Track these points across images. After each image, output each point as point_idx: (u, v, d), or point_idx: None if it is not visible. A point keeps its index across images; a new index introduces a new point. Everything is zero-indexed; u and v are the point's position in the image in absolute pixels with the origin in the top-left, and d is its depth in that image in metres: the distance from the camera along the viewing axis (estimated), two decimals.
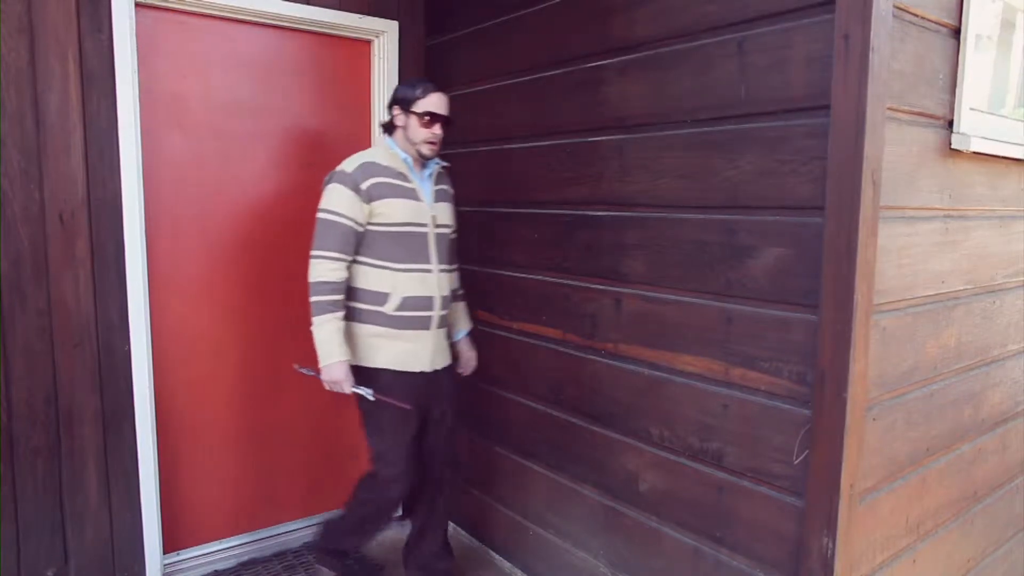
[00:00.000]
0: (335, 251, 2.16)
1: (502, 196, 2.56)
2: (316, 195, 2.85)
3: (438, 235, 2.30)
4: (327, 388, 2.21)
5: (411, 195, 2.23)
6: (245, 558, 2.79)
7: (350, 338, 2.23)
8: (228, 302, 2.73)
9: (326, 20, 2.74)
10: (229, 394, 2.77)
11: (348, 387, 2.18)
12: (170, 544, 2.67)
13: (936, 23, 1.69)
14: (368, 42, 2.93)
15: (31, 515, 2.30)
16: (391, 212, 2.19)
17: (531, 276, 2.50)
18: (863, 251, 1.55)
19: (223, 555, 2.78)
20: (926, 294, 1.80)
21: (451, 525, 3.08)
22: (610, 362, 2.22)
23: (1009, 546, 2.38)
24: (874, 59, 1.50)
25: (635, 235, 2.11)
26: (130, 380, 2.44)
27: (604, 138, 2.18)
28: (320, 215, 2.19)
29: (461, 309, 2.56)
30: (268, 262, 2.80)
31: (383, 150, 2.27)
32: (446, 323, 2.39)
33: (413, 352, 2.27)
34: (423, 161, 2.31)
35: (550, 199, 2.40)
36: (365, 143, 2.96)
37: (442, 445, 2.45)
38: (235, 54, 2.65)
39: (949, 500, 2.03)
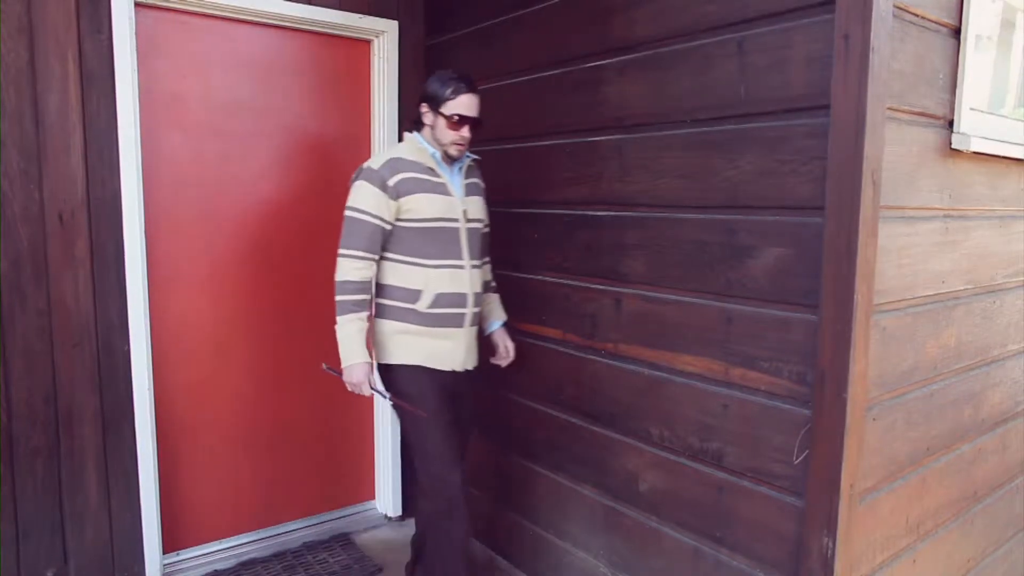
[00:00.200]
0: (361, 250, 2.13)
1: (502, 196, 2.56)
2: (316, 194, 2.88)
3: (470, 230, 2.24)
4: (348, 388, 2.19)
5: (441, 190, 2.18)
6: (245, 558, 2.79)
7: (381, 335, 2.21)
8: (228, 302, 2.73)
9: (326, 20, 2.74)
10: (229, 394, 2.77)
11: (367, 388, 2.16)
12: (170, 544, 2.67)
13: (936, 23, 1.69)
14: (368, 42, 2.93)
15: (31, 515, 2.30)
16: (421, 208, 2.14)
17: (531, 276, 2.50)
18: (863, 251, 1.55)
19: (223, 555, 2.78)
20: (926, 294, 1.80)
21: None
22: (610, 362, 2.22)
23: (1009, 546, 2.38)
24: (874, 59, 1.50)
25: (635, 235, 2.11)
26: (130, 380, 2.44)
27: (604, 138, 2.18)
28: (347, 213, 2.15)
29: (495, 301, 2.49)
30: (268, 262, 2.80)
31: (411, 145, 2.21)
32: (478, 321, 2.34)
33: (447, 350, 2.22)
34: (452, 158, 2.24)
35: (550, 199, 2.40)
36: (365, 143, 2.97)
37: (461, 438, 2.37)
38: (235, 54, 2.65)
39: (949, 500, 2.03)
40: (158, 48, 2.49)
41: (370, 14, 2.84)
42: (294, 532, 2.96)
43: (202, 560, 2.74)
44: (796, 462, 1.73)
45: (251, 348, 2.79)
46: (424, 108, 2.20)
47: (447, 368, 2.23)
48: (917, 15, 1.63)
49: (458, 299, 2.19)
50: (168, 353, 2.60)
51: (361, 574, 2.71)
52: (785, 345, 1.73)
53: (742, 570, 1.87)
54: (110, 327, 2.39)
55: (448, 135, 2.16)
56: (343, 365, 2.15)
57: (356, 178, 2.16)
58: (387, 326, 2.21)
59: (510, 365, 2.49)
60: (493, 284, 2.50)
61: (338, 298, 2.14)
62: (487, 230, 2.39)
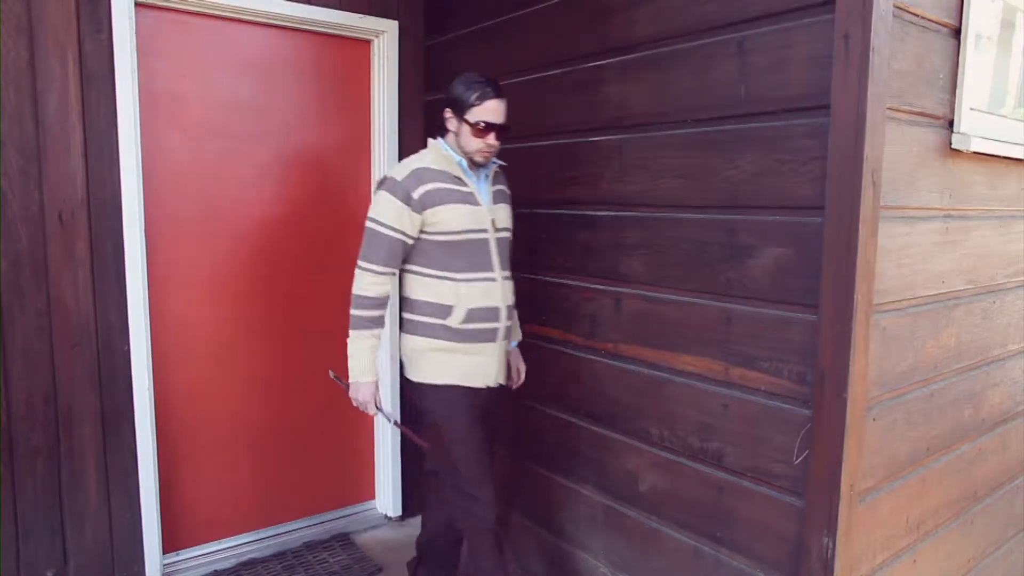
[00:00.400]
0: (379, 264, 2.04)
1: None
2: (316, 194, 2.88)
3: (499, 240, 2.13)
4: (354, 404, 2.14)
5: (469, 199, 2.07)
6: (245, 558, 2.79)
7: (412, 352, 2.12)
8: (228, 301, 2.73)
9: (326, 20, 2.74)
10: (229, 394, 2.77)
11: (372, 408, 2.11)
12: (170, 544, 2.67)
13: (936, 23, 1.69)
14: (368, 42, 2.93)
15: (31, 515, 2.30)
16: (449, 220, 2.04)
17: (532, 276, 2.50)
18: (863, 251, 1.55)
19: (223, 555, 2.78)
20: (926, 294, 1.80)
21: None
22: (610, 362, 2.22)
23: (1009, 546, 2.38)
24: (874, 59, 1.50)
25: (635, 235, 2.11)
26: (130, 380, 2.44)
27: (604, 138, 2.18)
28: (367, 223, 2.06)
29: (514, 318, 2.33)
30: (268, 261, 2.80)
31: (435, 152, 2.11)
32: (510, 334, 2.24)
33: (480, 366, 2.12)
34: (478, 165, 2.14)
35: (550, 199, 2.40)
36: (365, 143, 2.97)
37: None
38: (235, 54, 2.65)
39: (949, 500, 2.03)
40: (158, 48, 2.48)
41: (370, 14, 2.84)
42: (294, 532, 2.96)
43: (202, 560, 2.74)
44: (796, 462, 1.73)
45: (251, 348, 2.79)
46: (448, 114, 2.10)
47: (481, 385, 2.14)
48: (917, 15, 1.63)
49: (491, 313, 2.10)
50: (168, 353, 2.60)
51: (361, 574, 2.70)
52: (785, 345, 1.73)
53: (742, 570, 1.87)
54: (110, 327, 2.39)
55: (473, 143, 2.06)
56: (350, 380, 2.10)
57: (379, 188, 2.08)
58: (418, 342, 2.11)
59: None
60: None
61: (353, 312, 2.07)
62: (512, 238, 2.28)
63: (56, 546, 2.36)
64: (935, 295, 1.83)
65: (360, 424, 3.10)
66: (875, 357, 1.65)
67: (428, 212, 2.03)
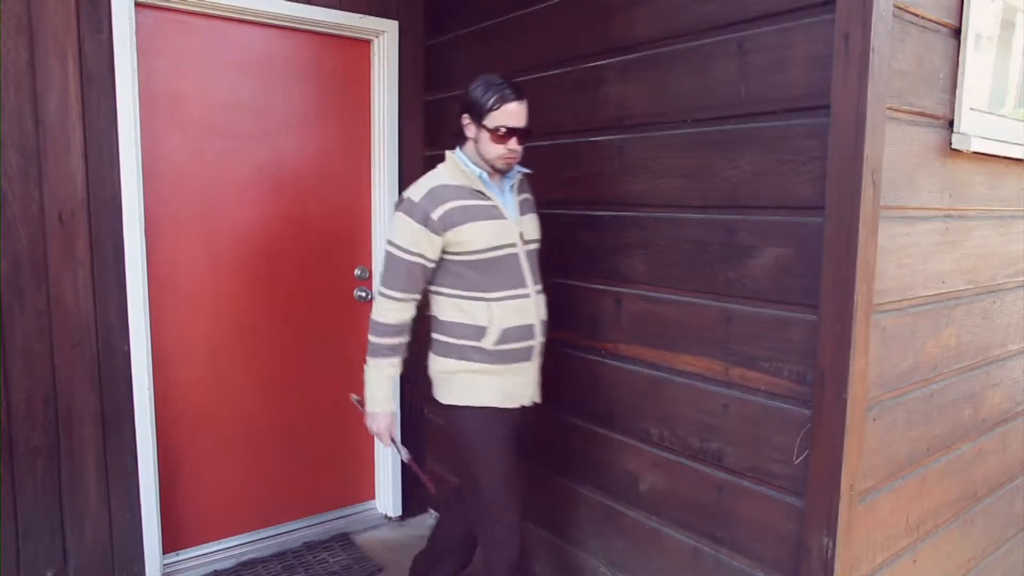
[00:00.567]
0: (400, 290, 1.95)
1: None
2: (316, 194, 2.88)
3: (529, 252, 2.02)
4: (370, 432, 2.07)
5: (494, 214, 1.96)
6: (245, 558, 2.79)
7: (443, 373, 2.02)
8: (228, 301, 2.73)
9: (326, 20, 2.74)
10: (229, 394, 2.77)
11: (387, 440, 2.02)
12: (170, 544, 2.67)
13: (936, 23, 1.69)
14: (368, 42, 2.93)
15: (31, 515, 2.30)
16: (474, 238, 1.92)
17: None
18: (863, 251, 1.55)
19: (223, 555, 2.78)
20: (926, 294, 1.80)
21: None
22: (610, 362, 2.22)
23: (1009, 546, 2.38)
24: (874, 59, 1.50)
25: (635, 235, 2.11)
26: (130, 380, 2.44)
27: (604, 138, 2.18)
28: (387, 247, 1.98)
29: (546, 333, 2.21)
30: (269, 261, 2.80)
31: (452, 167, 1.98)
32: (544, 350, 2.12)
33: (515, 386, 2.03)
34: (501, 172, 2.03)
35: (550, 199, 2.40)
36: (365, 143, 2.97)
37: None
38: (235, 54, 2.65)
39: (949, 500, 2.03)
40: (158, 48, 2.48)
41: (370, 14, 2.84)
42: (294, 532, 2.96)
43: (202, 560, 2.74)
44: (796, 462, 1.73)
45: (251, 348, 2.79)
46: (466, 120, 1.98)
47: (516, 405, 2.04)
48: (917, 15, 1.63)
49: (525, 331, 1.99)
50: (168, 353, 2.60)
51: (361, 574, 2.70)
52: (785, 345, 1.73)
53: (742, 570, 1.87)
54: (110, 327, 2.39)
55: (494, 149, 1.94)
56: (367, 408, 2.03)
57: (397, 208, 1.99)
58: (449, 364, 2.00)
59: None
60: None
61: (372, 339, 1.99)
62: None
63: (56, 546, 2.36)
64: (935, 295, 1.83)
65: (360, 424, 3.09)
66: (875, 357, 1.65)
67: (451, 233, 1.91)
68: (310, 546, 2.90)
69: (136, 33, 2.36)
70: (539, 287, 2.06)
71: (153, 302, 2.51)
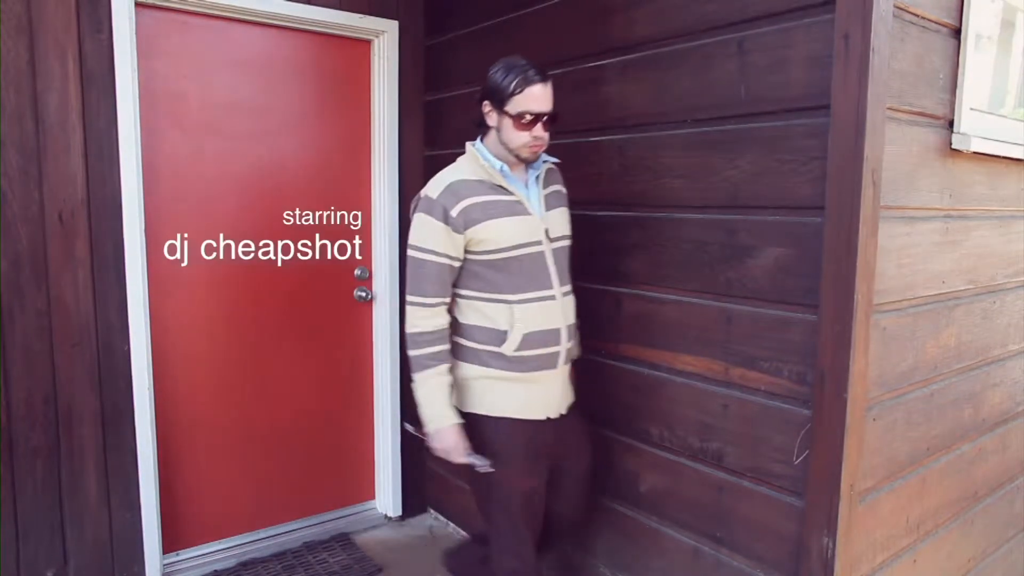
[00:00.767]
0: (430, 295, 1.82)
1: None
2: (316, 195, 2.88)
3: (556, 251, 1.89)
4: (437, 455, 1.87)
5: (517, 210, 1.83)
6: (245, 558, 2.79)
7: (460, 379, 1.89)
8: (228, 302, 2.73)
9: (326, 20, 2.74)
10: (229, 393, 2.76)
11: (461, 456, 1.83)
12: (170, 544, 2.67)
13: (936, 23, 1.69)
14: (368, 42, 2.93)
15: (31, 515, 2.30)
16: (495, 237, 1.80)
17: None
18: (863, 251, 1.55)
19: (223, 555, 2.78)
20: (926, 294, 1.80)
21: (448, 524, 3.08)
22: (610, 362, 2.22)
23: (1009, 546, 2.38)
24: (874, 59, 1.50)
25: (635, 235, 2.11)
26: (130, 380, 2.44)
27: (604, 138, 2.18)
28: (409, 252, 1.85)
29: (576, 337, 2.07)
30: (268, 261, 2.79)
31: (471, 161, 1.87)
32: (573, 356, 2.00)
33: (540, 395, 1.88)
34: (527, 162, 1.90)
35: None
36: (365, 143, 2.97)
37: (576, 499, 2.05)
38: (235, 54, 2.65)
39: (949, 500, 2.03)
40: (158, 48, 2.48)
41: (370, 14, 2.84)
42: (294, 532, 2.96)
43: (202, 560, 2.74)
44: (796, 462, 1.73)
45: (251, 347, 2.79)
46: (487, 107, 1.84)
47: (540, 416, 1.90)
48: (917, 15, 1.63)
49: (550, 336, 1.86)
50: (168, 353, 2.60)
51: (361, 574, 2.70)
52: (785, 345, 1.73)
53: (742, 570, 1.87)
54: (110, 327, 2.39)
55: (518, 137, 1.80)
56: (428, 428, 1.84)
57: (415, 208, 1.86)
58: (467, 370, 1.89)
59: None
60: None
61: (411, 353, 1.84)
62: (570, 244, 2.03)
63: (56, 546, 2.36)
64: (935, 295, 1.83)
65: (360, 424, 3.10)
66: (875, 357, 1.65)
67: (471, 231, 1.79)
68: (310, 546, 2.90)
69: (136, 33, 2.36)
70: (567, 288, 1.93)
71: (153, 302, 2.51)
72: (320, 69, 2.83)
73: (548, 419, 1.91)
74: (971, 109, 1.80)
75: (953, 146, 1.79)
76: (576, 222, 2.30)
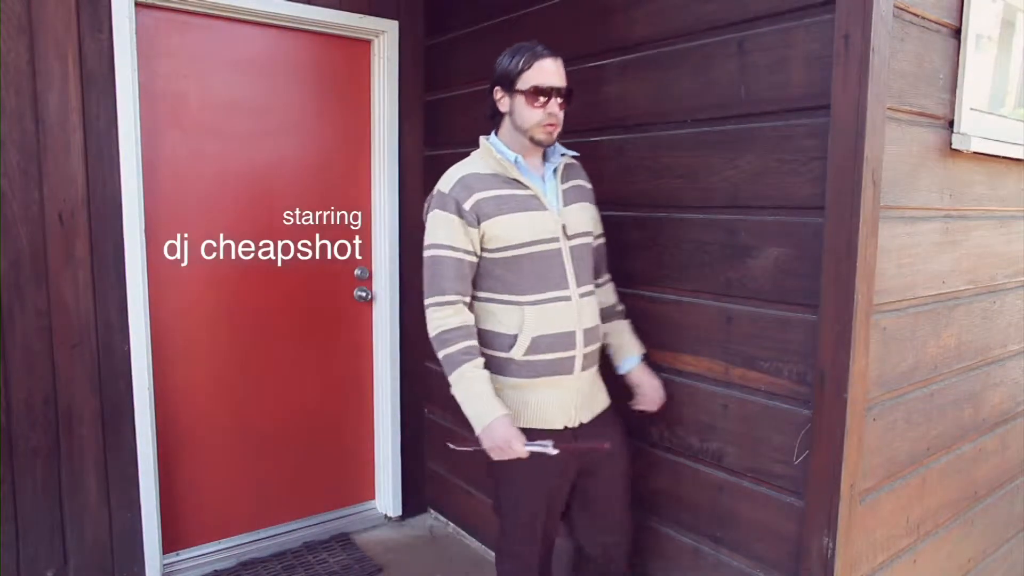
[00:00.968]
0: (450, 293, 1.73)
1: None
2: (316, 195, 2.88)
3: (574, 248, 1.79)
4: (495, 458, 1.73)
5: (532, 204, 1.75)
6: (245, 558, 2.79)
7: None
8: (228, 302, 2.73)
9: (326, 20, 2.74)
10: (229, 394, 2.76)
11: (520, 447, 1.68)
12: (169, 544, 2.67)
13: (936, 23, 1.69)
14: (368, 42, 2.93)
15: (30, 515, 2.30)
16: (508, 232, 1.72)
17: None
18: (863, 251, 1.55)
19: (223, 555, 2.78)
20: (926, 294, 1.80)
21: (448, 524, 3.08)
22: None
23: (1009, 546, 2.38)
24: (874, 59, 1.50)
25: (635, 235, 2.11)
26: (129, 380, 2.44)
27: (604, 138, 2.18)
28: (425, 252, 1.76)
29: (625, 330, 2.00)
30: (268, 261, 2.79)
31: (483, 155, 1.81)
32: (596, 361, 1.88)
33: (554, 403, 1.78)
34: (543, 155, 1.83)
35: None
36: (365, 143, 2.97)
37: (609, 516, 1.93)
38: (235, 54, 2.65)
39: (949, 500, 2.03)
40: (158, 48, 2.48)
41: (370, 14, 2.84)
42: (294, 532, 2.96)
43: (202, 560, 2.74)
44: (796, 462, 1.73)
45: (251, 347, 2.79)
46: (498, 93, 1.78)
47: (557, 426, 1.79)
48: (917, 15, 1.63)
49: (563, 340, 1.75)
50: (168, 353, 2.60)
51: (361, 574, 2.70)
52: (785, 345, 1.73)
53: (742, 570, 1.87)
54: (110, 327, 2.39)
55: (531, 115, 1.73)
56: (477, 429, 1.70)
57: (429, 207, 1.80)
58: None
59: None
60: (620, 308, 2.03)
61: (441, 354, 1.73)
62: (600, 241, 1.96)
63: (56, 546, 2.36)
64: (935, 295, 1.83)
65: (360, 424, 3.10)
66: (875, 357, 1.65)
67: (485, 224, 1.72)
68: (310, 546, 2.90)
69: (136, 33, 2.36)
70: (587, 288, 1.82)
71: (153, 302, 2.51)
72: (320, 69, 2.83)
73: (567, 428, 1.80)
74: (971, 109, 1.80)
75: (953, 146, 1.79)
76: None
